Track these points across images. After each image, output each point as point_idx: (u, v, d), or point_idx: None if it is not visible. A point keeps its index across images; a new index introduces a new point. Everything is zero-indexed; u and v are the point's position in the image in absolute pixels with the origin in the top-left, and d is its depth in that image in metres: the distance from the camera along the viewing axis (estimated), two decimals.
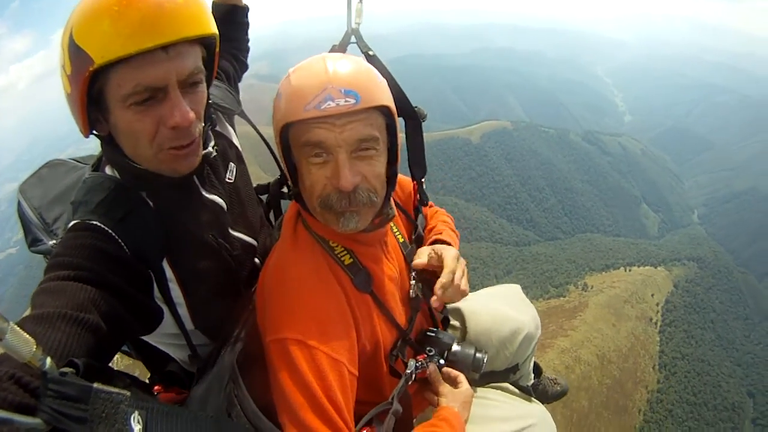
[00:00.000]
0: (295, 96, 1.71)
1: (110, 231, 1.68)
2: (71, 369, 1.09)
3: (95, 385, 1.05)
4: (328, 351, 1.74)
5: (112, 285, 1.58)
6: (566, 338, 79.22)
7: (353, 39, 2.60)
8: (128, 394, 1.09)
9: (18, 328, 0.92)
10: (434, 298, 2.09)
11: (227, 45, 2.75)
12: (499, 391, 2.68)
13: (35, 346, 0.97)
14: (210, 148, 2.04)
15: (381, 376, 2.11)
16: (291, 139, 1.80)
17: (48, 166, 2.32)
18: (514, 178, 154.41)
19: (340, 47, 2.56)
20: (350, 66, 1.76)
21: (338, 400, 1.72)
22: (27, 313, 1.38)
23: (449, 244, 2.40)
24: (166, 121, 1.65)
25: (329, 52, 2.31)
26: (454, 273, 2.13)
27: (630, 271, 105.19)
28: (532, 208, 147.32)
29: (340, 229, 1.86)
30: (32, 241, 2.10)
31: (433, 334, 2.33)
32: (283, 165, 1.91)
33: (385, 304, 2.05)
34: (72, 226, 1.70)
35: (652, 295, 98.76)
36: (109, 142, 1.81)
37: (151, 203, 1.85)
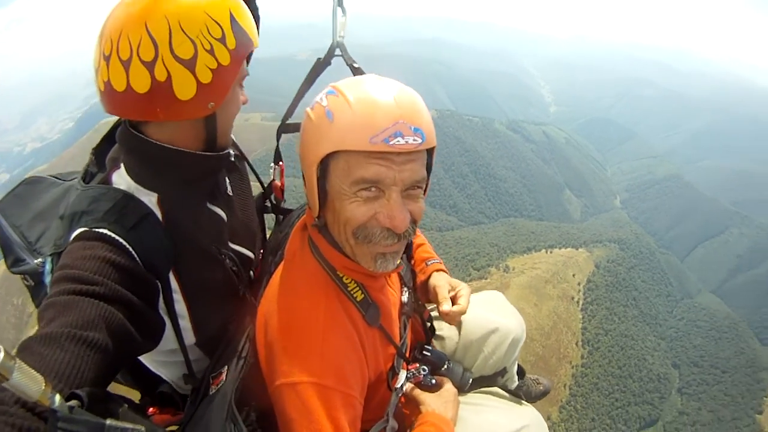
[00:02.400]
0: (359, 124, 1.56)
1: (121, 240, 1.64)
2: (77, 402, 1.07)
3: (108, 422, 1.05)
4: (344, 389, 1.71)
5: (122, 300, 1.55)
6: None
7: (338, 52, 2.64)
8: (142, 429, 1.09)
9: (26, 366, 0.89)
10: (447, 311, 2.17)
11: None
12: (489, 396, 2.70)
13: (44, 384, 0.93)
14: (230, 150, 2.07)
15: (378, 394, 2.05)
16: (335, 167, 1.65)
17: (25, 183, 2.25)
18: (437, 165, 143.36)
19: (325, 60, 2.61)
20: (415, 99, 1.67)
21: None
22: (33, 328, 1.40)
23: (439, 262, 2.49)
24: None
25: (315, 65, 2.53)
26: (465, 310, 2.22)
27: (551, 253, 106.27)
28: (456, 194, 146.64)
29: (374, 269, 1.79)
30: (13, 262, 2.01)
31: (428, 354, 2.32)
32: (313, 191, 1.72)
33: (389, 333, 2.03)
34: (79, 235, 1.64)
35: (574, 275, 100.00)
36: (132, 133, 1.79)
37: (159, 212, 1.81)
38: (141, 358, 2.08)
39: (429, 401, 2.10)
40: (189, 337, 1.97)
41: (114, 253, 1.60)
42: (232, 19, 1.68)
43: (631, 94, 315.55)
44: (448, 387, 2.21)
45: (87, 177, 1.93)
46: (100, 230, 1.64)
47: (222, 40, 1.66)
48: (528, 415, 2.58)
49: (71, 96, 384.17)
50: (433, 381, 2.21)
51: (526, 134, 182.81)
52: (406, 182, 1.63)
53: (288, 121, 2.65)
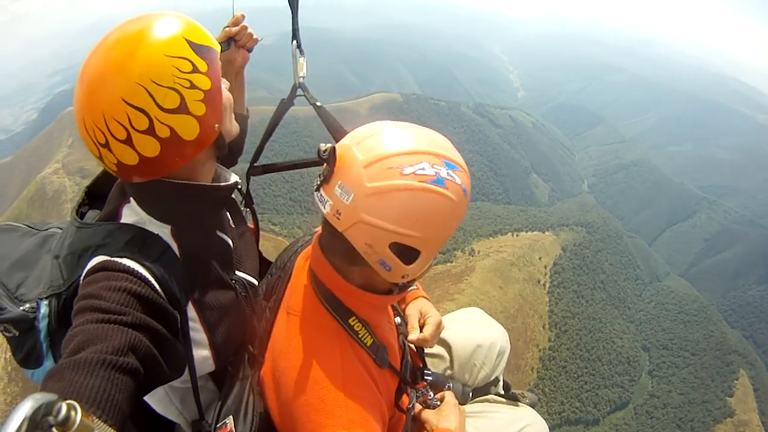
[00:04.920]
0: (465, 203, 1.81)
1: (144, 272, 1.68)
2: None
3: None
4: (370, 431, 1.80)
5: (148, 328, 1.58)
6: (452, 302, 78.47)
7: (300, 92, 2.77)
8: None
9: (104, 426, 0.95)
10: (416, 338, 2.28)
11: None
12: (487, 403, 2.93)
13: None
14: (237, 178, 2.18)
15: (391, 422, 2.20)
16: None
17: None
18: None
19: (288, 101, 2.74)
20: None
21: None
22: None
23: (417, 288, 2.60)
24: None
25: (279, 105, 2.69)
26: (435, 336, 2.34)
27: (518, 236, 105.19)
28: None
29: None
30: None
31: (429, 378, 2.47)
32: (428, 263, 1.92)
33: (396, 368, 2.16)
34: (100, 265, 1.67)
35: (540, 259, 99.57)
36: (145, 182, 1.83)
37: (175, 244, 1.87)
38: (152, 402, 2.09)
39: (435, 419, 2.19)
40: (209, 365, 2.01)
41: (138, 285, 1.63)
42: (191, 44, 1.70)
43: (600, 80, 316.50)
44: (449, 399, 2.31)
45: (80, 215, 1.99)
46: (123, 261, 1.66)
47: (195, 70, 1.69)
48: (528, 415, 2.84)
49: (34, 86, 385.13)
50: (438, 402, 2.32)
51: (493, 118, 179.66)
52: None
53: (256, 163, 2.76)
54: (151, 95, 1.60)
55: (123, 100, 1.58)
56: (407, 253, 1.77)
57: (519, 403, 2.89)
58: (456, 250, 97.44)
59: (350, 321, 1.95)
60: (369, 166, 1.69)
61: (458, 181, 1.73)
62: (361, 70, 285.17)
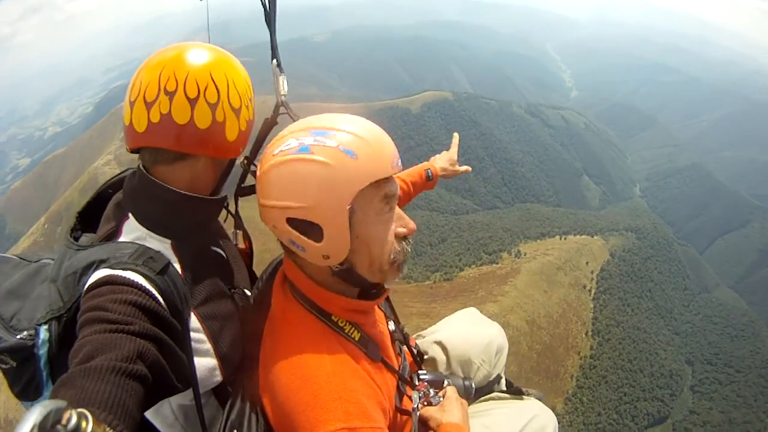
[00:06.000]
0: (379, 155, 1.81)
1: (149, 286, 1.73)
2: None
3: None
4: (371, 424, 1.75)
5: (155, 338, 1.62)
6: (495, 303, 79.10)
7: (282, 110, 2.72)
8: None
9: None
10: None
11: None
12: (492, 401, 2.93)
13: None
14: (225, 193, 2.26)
15: (395, 423, 2.16)
16: (362, 200, 1.83)
17: None
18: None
19: (272, 120, 2.70)
20: None
21: None
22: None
23: None
24: None
25: (263, 125, 2.59)
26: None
27: (565, 239, 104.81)
28: (471, 177, 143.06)
29: (399, 275, 2.01)
30: None
31: (427, 378, 2.46)
32: (344, 234, 1.85)
33: (390, 364, 2.17)
34: (105, 279, 1.70)
35: (587, 263, 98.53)
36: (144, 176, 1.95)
37: (176, 258, 1.97)
38: (157, 423, 2.06)
39: (438, 415, 2.18)
40: (216, 376, 2.03)
41: (143, 298, 1.66)
42: (252, 96, 2.06)
43: (654, 81, 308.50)
44: (450, 394, 2.30)
45: (74, 239, 2.04)
46: (127, 275, 1.71)
47: (250, 101, 2.04)
48: (534, 406, 2.83)
49: (91, 81, 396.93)
50: (441, 398, 2.30)
51: (545, 118, 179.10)
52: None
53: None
54: (228, 86, 1.92)
55: (210, 73, 1.88)
56: (309, 229, 1.82)
57: (524, 397, 2.94)
58: (502, 251, 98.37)
59: (333, 318, 1.97)
60: (259, 162, 1.92)
61: (329, 143, 1.77)
62: (414, 68, 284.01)
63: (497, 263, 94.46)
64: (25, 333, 1.79)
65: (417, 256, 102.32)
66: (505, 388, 3.05)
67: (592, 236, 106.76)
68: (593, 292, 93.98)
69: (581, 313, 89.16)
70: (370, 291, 2.09)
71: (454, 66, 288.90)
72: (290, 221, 1.82)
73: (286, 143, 1.82)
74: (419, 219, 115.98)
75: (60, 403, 0.83)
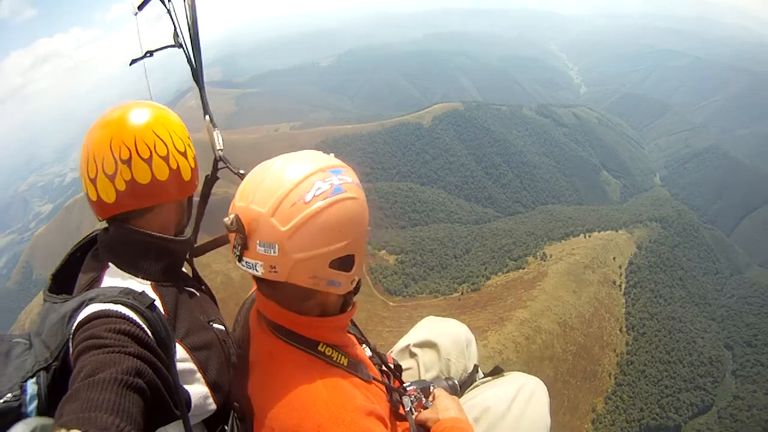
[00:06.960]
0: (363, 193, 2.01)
1: (138, 319, 1.76)
2: None
3: None
4: (370, 405, 1.92)
5: (150, 361, 1.64)
6: (525, 309, 78.89)
7: (221, 165, 2.91)
8: None
9: None
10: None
11: None
12: (477, 389, 3.03)
13: None
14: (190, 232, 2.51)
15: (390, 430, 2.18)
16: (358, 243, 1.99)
17: None
18: (469, 158, 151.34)
19: (213, 175, 2.89)
20: None
21: None
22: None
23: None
24: None
25: (205, 181, 2.80)
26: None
27: (590, 236, 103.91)
28: (490, 185, 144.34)
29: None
30: None
31: (413, 387, 2.56)
32: (361, 266, 2.06)
33: (378, 379, 2.26)
34: (97, 313, 1.73)
35: (614, 259, 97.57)
36: (124, 232, 2.16)
37: (157, 297, 2.04)
38: None
39: (434, 414, 2.34)
40: (210, 404, 2.06)
41: (135, 329, 1.69)
42: (188, 135, 2.30)
43: (662, 66, 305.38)
44: (440, 394, 2.47)
45: (57, 292, 2.11)
46: (118, 308, 1.74)
47: (189, 140, 2.28)
48: (519, 377, 2.96)
49: None
50: (431, 403, 2.46)
51: (557, 118, 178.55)
52: None
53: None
54: (170, 136, 2.17)
55: (152, 130, 2.12)
56: (346, 262, 1.93)
57: (505, 373, 3.07)
58: (528, 255, 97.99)
59: (319, 348, 2.02)
60: (275, 213, 1.82)
61: (349, 179, 1.92)
62: (421, 82, 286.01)
63: (523, 268, 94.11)
64: (9, 395, 1.68)
65: (443, 269, 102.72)
66: (483, 375, 3.27)
67: (617, 231, 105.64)
68: (623, 287, 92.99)
69: (613, 310, 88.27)
70: (350, 301, 2.21)
71: (461, 76, 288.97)
72: (332, 263, 1.88)
73: (315, 187, 1.83)
74: (441, 232, 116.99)
75: (45, 420, 0.77)
